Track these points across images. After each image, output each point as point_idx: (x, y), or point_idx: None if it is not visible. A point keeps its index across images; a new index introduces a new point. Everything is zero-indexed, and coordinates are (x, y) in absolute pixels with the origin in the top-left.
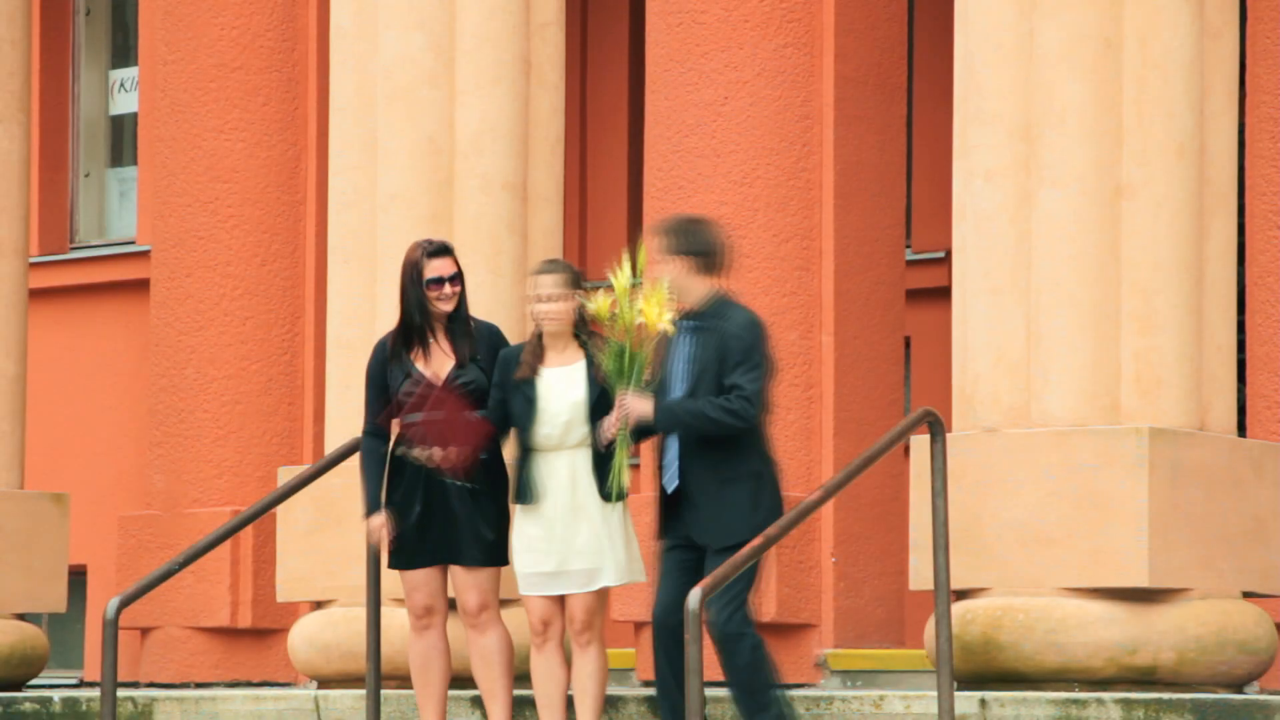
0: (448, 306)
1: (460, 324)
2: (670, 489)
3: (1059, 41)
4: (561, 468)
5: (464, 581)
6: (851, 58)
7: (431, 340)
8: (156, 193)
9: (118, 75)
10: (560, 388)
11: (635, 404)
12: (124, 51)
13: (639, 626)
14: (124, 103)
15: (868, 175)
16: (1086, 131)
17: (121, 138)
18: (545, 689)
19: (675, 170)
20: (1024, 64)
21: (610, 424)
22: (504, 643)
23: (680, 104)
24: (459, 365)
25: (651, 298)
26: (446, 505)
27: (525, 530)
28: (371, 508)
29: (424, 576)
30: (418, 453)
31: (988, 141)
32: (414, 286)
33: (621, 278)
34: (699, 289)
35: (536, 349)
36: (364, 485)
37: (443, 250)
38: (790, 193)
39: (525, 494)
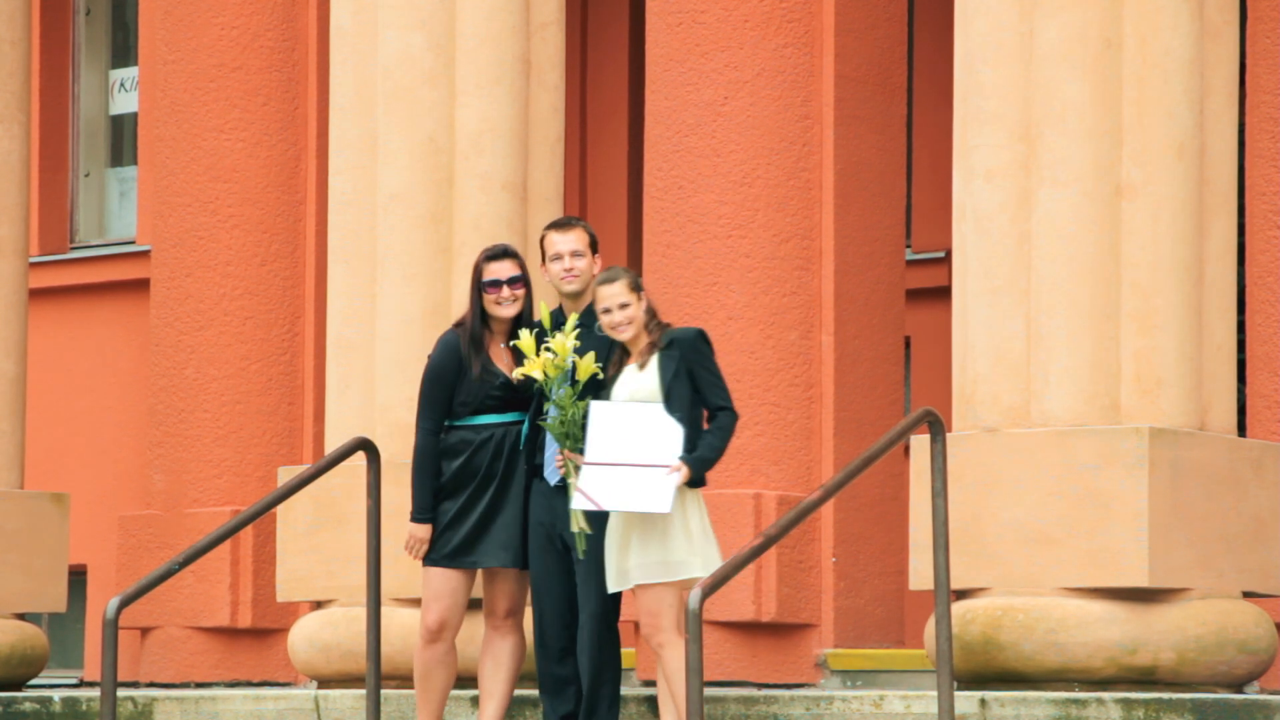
0: (504, 310)
1: (517, 327)
2: (553, 482)
3: (1059, 41)
4: None
5: (503, 588)
6: (851, 58)
7: (492, 345)
8: (156, 193)
9: (118, 75)
10: (632, 382)
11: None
12: (124, 51)
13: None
14: (124, 103)
15: (868, 175)
16: (1086, 131)
17: (121, 138)
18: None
19: (675, 170)
20: (1024, 64)
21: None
22: (520, 649)
23: (680, 104)
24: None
25: (559, 344)
26: (504, 507)
27: None
28: (421, 513)
29: (450, 588)
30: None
31: (988, 141)
32: (474, 290)
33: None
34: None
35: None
36: (417, 486)
37: (502, 254)
38: (790, 193)
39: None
